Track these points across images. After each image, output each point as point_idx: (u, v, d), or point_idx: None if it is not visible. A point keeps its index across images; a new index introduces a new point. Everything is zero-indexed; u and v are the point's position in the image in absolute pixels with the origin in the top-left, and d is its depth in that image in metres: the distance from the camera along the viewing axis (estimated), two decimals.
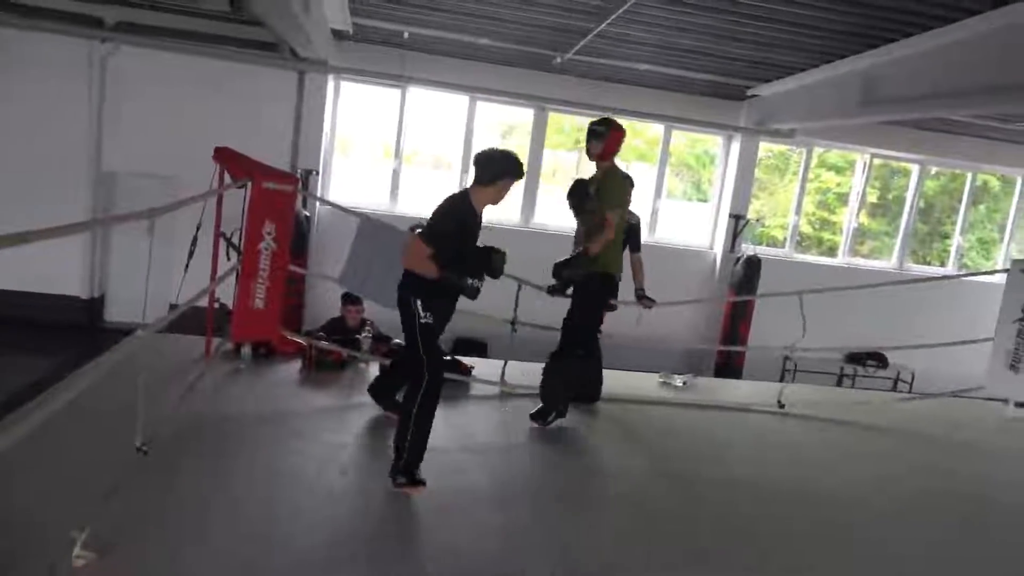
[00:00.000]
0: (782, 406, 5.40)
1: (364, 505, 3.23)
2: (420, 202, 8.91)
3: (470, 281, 3.45)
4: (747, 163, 9.13)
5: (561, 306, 4.57)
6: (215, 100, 8.04)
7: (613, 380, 5.51)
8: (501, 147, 3.67)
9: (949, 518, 3.94)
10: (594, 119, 4.54)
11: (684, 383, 5.72)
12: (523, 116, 9.17)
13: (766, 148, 9.94)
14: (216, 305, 4.66)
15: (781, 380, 8.93)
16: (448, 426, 4.09)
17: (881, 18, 5.58)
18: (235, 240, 4.56)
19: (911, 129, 9.08)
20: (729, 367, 8.68)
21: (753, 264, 8.73)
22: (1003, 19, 4.97)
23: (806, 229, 10.38)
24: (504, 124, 9.73)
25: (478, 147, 8.93)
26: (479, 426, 4.45)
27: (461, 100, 8.85)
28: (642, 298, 5.05)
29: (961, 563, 3.43)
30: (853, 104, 7.00)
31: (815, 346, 5.74)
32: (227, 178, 4.37)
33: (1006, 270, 5.67)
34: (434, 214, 3.49)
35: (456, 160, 9.13)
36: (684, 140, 10.06)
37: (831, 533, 3.55)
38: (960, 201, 10.10)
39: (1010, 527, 3.96)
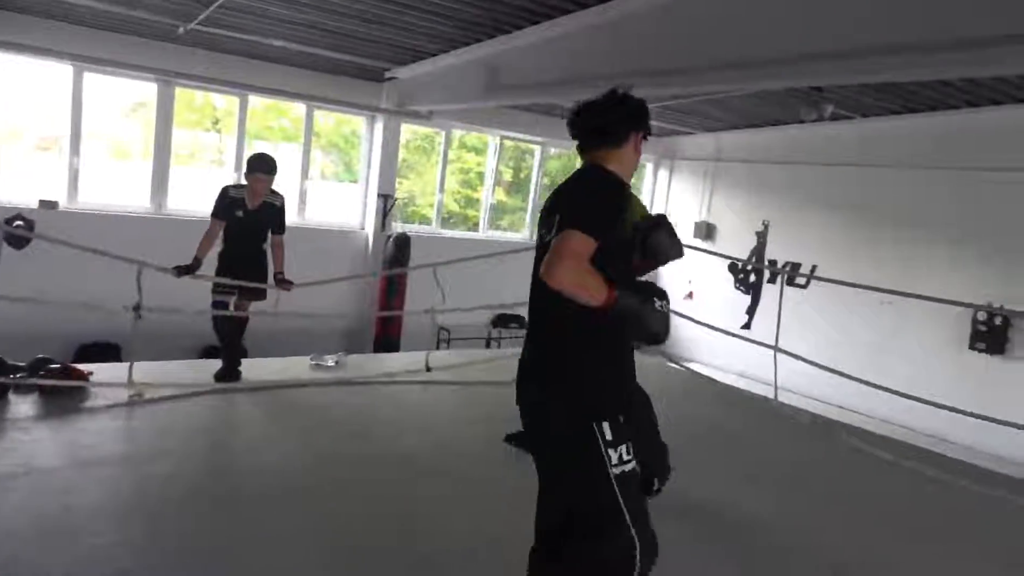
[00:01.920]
0: (429, 370, 5.77)
1: None
2: (17, 189, 7.58)
3: (658, 303, 2.03)
4: (391, 144, 9.40)
5: None
6: None
7: (262, 367, 5.34)
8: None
9: None
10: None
11: (336, 362, 5.76)
12: (148, 91, 8.27)
13: (411, 130, 10.33)
14: None
15: (438, 348, 9.52)
16: (56, 442, 3.58)
17: (500, 10, 6.11)
18: None
19: (532, 113, 10.19)
20: (387, 341, 8.95)
21: (403, 241, 9.07)
22: (606, 15, 5.75)
23: (453, 207, 11.08)
24: (132, 100, 8.68)
25: (91, 124, 8.04)
26: (96, 438, 3.96)
27: (64, 70, 7.65)
28: (281, 282, 4.98)
29: None
30: (480, 89, 7.60)
31: (465, 312, 6.34)
32: None
33: None
34: (580, 197, 2.12)
35: (65, 139, 7.90)
36: (332, 121, 10.02)
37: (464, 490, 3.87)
38: None
39: None
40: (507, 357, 6.58)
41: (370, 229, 9.46)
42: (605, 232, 1.97)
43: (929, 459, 4.98)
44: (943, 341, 8.36)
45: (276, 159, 5.06)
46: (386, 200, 9.38)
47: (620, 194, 2.13)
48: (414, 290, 8.88)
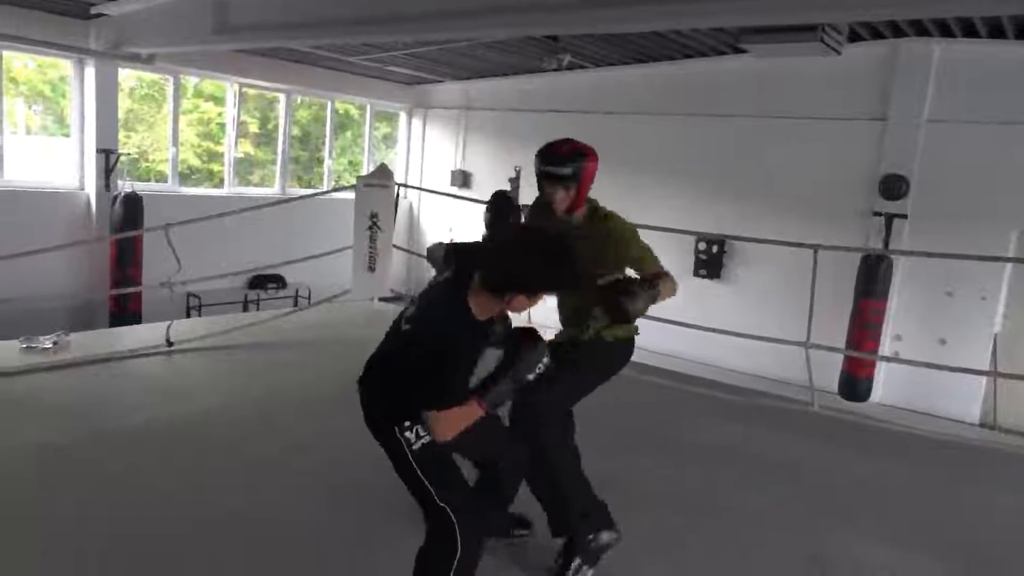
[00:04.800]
0: (171, 344, 5.26)
1: None
2: None
3: (538, 366, 2.03)
4: (108, 92, 8.28)
5: None
6: None
7: None
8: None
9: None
10: (546, 156, 2.65)
11: (54, 343, 5.05)
12: None
13: (135, 76, 9.21)
14: None
15: (188, 316, 8.77)
16: None
17: None
18: None
19: (274, 59, 9.53)
20: (126, 314, 8.05)
21: (133, 202, 8.12)
22: None
23: (195, 162, 10.13)
24: None
25: None
26: None
27: None
28: None
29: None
30: (207, 31, 6.91)
31: (221, 277, 5.81)
32: None
33: (354, 186, 6.51)
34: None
35: None
36: (33, 65, 8.60)
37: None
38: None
39: None
40: (267, 320, 6.25)
41: (92, 189, 8.35)
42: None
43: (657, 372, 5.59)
44: (674, 270, 9.35)
45: None
46: (108, 156, 8.30)
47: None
48: (152, 257, 8.04)
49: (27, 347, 4.95)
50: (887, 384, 7.91)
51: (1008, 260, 7.35)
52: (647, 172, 9.57)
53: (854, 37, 7.49)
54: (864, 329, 7.57)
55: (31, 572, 2.59)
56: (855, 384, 7.60)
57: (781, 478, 3.85)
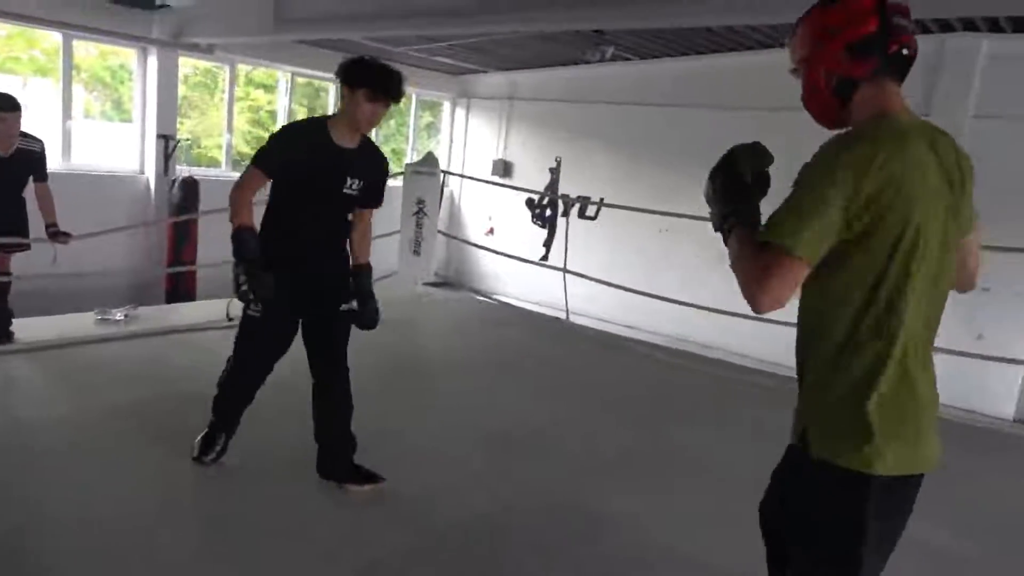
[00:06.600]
0: (231, 319, 5.58)
1: None
2: None
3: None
4: (168, 79, 8.66)
5: None
6: None
7: (37, 326, 4.90)
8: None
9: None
10: None
11: (125, 316, 5.41)
12: None
13: (191, 64, 9.57)
14: None
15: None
16: None
17: None
18: None
19: (325, 50, 9.81)
20: (180, 292, 8.44)
21: (190, 186, 8.50)
22: None
23: (244, 148, 10.49)
24: None
25: None
26: None
27: None
28: (56, 234, 4.56)
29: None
30: (267, 21, 7.22)
31: None
32: None
33: (402, 173, 6.77)
34: None
35: None
36: (96, 53, 9.01)
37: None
38: None
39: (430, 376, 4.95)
40: None
41: (151, 173, 8.75)
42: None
43: (692, 358, 5.75)
44: (707, 260, 9.45)
45: (15, 96, 4.51)
46: (167, 141, 8.68)
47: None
48: (207, 238, 8.41)
49: (101, 319, 5.32)
50: None
51: None
52: (686, 165, 9.59)
53: None
54: None
55: (125, 505, 2.88)
56: None
57: None
